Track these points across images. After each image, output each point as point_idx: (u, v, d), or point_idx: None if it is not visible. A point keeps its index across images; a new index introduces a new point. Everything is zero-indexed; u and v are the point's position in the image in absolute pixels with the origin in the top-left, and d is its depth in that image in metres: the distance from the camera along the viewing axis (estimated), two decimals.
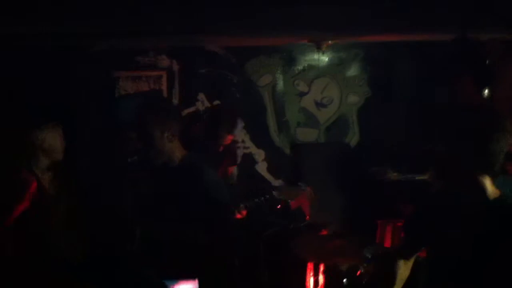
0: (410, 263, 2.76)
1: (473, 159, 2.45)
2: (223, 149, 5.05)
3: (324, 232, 4.85)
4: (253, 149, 6.23)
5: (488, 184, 2.49)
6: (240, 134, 6.06)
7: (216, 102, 6.10)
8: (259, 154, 6.25)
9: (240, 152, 6.04)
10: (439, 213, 2.56)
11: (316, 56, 6.17)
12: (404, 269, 2.76)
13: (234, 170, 5.81)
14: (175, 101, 6.08)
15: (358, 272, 3.85)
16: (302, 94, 6.29)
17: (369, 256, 3.82)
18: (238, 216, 4.46)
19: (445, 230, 2.50)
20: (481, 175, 2.48)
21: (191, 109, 6.09)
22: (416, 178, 5.51)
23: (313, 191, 4.97)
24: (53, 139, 3.58)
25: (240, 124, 5.24)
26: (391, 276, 2.72)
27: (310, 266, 4.25)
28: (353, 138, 6.36)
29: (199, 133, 5.01)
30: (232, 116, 5.20)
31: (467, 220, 2.45)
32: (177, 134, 3.56)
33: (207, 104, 6.14)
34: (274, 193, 4.66)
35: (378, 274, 3.28)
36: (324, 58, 6.22)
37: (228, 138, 5.02)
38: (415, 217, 2.81)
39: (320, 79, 6.28)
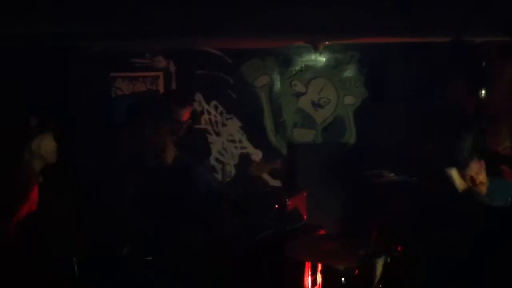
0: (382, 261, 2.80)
1: (443, 155, 2.54)
2: (193, 137, 5.02)
3: (321, 233, 4.88)
4: (250, 149, 6.26)
5: (456, 177, 2.56)
6: (236, 134, 6.10)
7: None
8: (256, 154, 6.27)
9: (234, 151, 6.09)
10: (410, 210, 2.61)
11: (313, 57, 6.21)
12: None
13: (228, 168, 5.84)
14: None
15: (356, 272, 3.87)
16: (299, 95, 6.32)
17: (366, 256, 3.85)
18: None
19: (419, 225, 2.55)
20: (450, 169, 2.56)
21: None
22: (412, 178, 5.54)
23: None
24: (47, 145, 3.61)
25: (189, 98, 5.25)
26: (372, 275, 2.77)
27: (307, 265, 4.28)
28: (349, 139, 6.39)
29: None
30: (182, 91, 5.19)
31: (438, 214, 2.50)
32: (171, 133, 3.59)
33: (204, 104, 6.17)
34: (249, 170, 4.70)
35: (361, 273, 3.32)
36: (321, 59, 6.25)
37: (185, 114, 4.93)
38: (386, 215, 2.85)
39: (317, 80, 6.31)
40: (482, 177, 4.12)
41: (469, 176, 4.09)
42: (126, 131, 4.11)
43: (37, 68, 5.37)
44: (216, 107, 6.21)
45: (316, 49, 5.94)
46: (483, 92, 5.15)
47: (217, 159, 6.16)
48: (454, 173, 2.58)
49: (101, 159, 5.42)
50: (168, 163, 3.58)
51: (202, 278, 3.67)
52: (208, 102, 6.19)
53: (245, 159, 6.23)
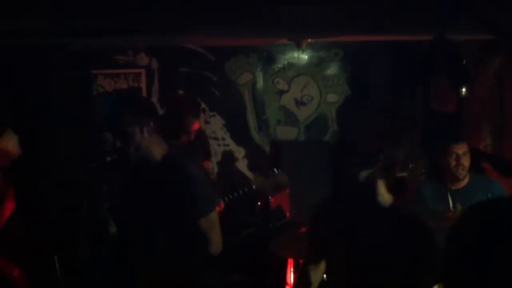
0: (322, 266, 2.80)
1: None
2: (194, 140, 4.97)
3: (304, 230, 4.88)
4: (233, 147, 6.25)
5: (383, 189, 2.55)
6: (219, 131, 6.09)
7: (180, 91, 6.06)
8: (239, 152, 6.27)
9: (217, 148, 6.05)
10: (341, 217, 2.60)
11: (295, 54, 6.21)
12: (317, 272, 2.81)
13: (211, 166, 5.79)
14: (155, 99, 6.07)
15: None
16: (281, 93, 6.32)
17: None
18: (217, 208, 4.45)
19: (348, 232, 2.54)
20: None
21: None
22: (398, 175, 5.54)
23: (286, 177, 4.95)
24: (9, 141, 3.59)
25: (200, 109, 5.08)
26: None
27: (290, 262, 4.28)
28: (332, 137, 6.40)
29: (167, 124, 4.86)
30: (193, 101, 5.13)
31: (366, 222, 2.49)
32: (157, 129, 3.54)
33: None
34: (253, 185, 4.65)
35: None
36: (304, 57, 6.25)
37: (195, 125, 4.90)
38: (316, 223, 2.84)
39: (300, 78, 6.31)
40: (466, 160, 4.11)
41: (455, 154, 4.09)
42: (110, 128, 4.05)
43: (14, 66, 5.31)
44: None
45: (299, 46, 5.94)
46: (465, 90, 5.18)
47: None
48: (380, 183, 2.50)
49: (83, 157, 5.39)
50: (157, 159, 3.51)
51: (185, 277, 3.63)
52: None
53: (228, 156, 6.22)
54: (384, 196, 2.56)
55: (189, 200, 3.36)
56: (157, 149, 3.48)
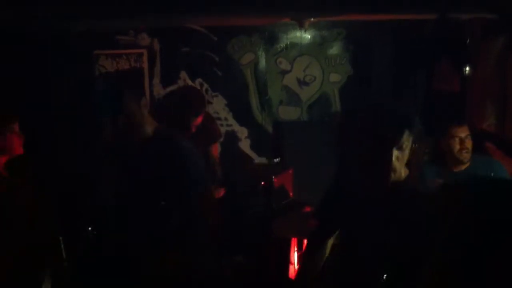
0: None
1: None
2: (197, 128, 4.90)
3: (307, 209, 4.89)
4: (235, 127, 6.25)
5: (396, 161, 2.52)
6: (222, 111, 6.08)
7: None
8: (242, 132, 6.27)
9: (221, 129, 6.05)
10: (351, 194, 2.57)
11: (298, 34, 6.18)
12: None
13: (217, 148, 5.79)
14: (157, 79, 6.06)
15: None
16: (284, 72, 6.30)
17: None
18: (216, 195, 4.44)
19: (358, 211, 2.52)
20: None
21: (173, 88, 6.07)
22: None
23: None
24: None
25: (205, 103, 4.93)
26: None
27: (294, 241, 4.30)
28: (335, 116, 6.39)
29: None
30: (198, 96, 4.94)
31: (377, 200, 2.47)
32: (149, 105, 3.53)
33: (189, 82, 6.14)
34: None
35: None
36: (307, 36, 6.23)
37: (198, 119, 4.74)
38: (326, 200, 2.83)
39: (302, 57, 6.29)
40: (468, 143, 4.08)
41: (458, 138, 4.06)
42: (110, 113, 4.04)
43: (15, 51, 5.29)
44: (201, 85, 6.18)
45: (301, 26, 5.92)
46: (469, 69, 5.16)
47: None
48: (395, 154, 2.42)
49: (84, 144, 5.38)
50: (148, 135, 3.49)
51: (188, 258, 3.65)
52: (193, 80, 6.16)
53: (230, 136, 6.23)
54: (397, 167, 2.53)
55: (182, 174, 3.35)
56: (148, 126, 3.46)
